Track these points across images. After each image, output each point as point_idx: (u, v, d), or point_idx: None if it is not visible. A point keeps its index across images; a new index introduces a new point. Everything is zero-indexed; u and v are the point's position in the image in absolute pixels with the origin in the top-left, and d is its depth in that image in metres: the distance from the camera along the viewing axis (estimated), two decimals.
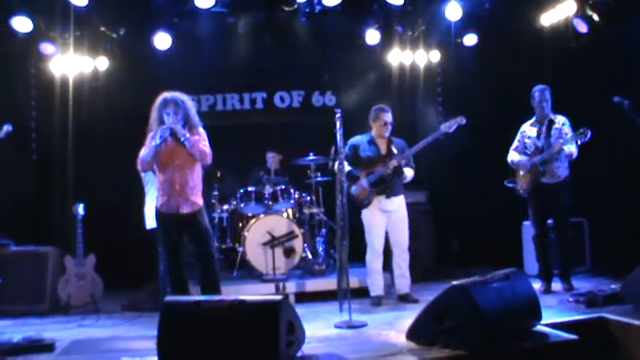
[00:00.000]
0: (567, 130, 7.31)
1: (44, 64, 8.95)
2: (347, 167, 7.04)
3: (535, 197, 7.46)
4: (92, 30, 8.52)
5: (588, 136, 6.86)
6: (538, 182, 7.35)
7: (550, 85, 7.41)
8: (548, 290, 7.38)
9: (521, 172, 7.49)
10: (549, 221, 7.58)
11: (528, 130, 7.54)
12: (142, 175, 7.15)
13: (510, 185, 7.65)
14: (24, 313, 7.31)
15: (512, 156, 7.63)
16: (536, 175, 7.35)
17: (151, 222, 7.03)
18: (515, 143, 7.67)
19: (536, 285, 6.92)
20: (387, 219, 7.33)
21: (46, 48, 8.45)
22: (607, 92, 6.92)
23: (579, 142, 6.96)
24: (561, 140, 7.16)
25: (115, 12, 8.25)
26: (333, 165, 7.18)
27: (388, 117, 7.37)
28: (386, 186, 7.28)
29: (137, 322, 6.92)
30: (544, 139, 7.35)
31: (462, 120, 7.12)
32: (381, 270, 7.38)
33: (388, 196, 7.29)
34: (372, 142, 7.42)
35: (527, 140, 7.54)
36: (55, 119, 9.10)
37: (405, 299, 7.34)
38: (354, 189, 7.27)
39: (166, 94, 6.29)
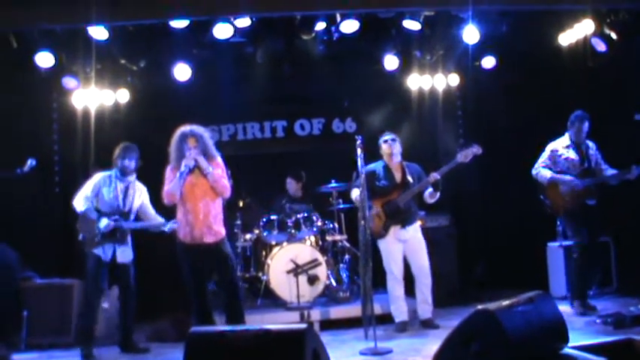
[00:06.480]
0: (598, 154, 7.46)
1: (66, 98, 9.03)
2: (356, 193, 7.04)
3: (579, 217, 7.41)
4: (113, 63, 8.60)
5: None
6: (584, 203, 7.34)
7: (570, 105, 7.43)
8: (589, 307, 7.29)
9: (569, 191, 7.39)
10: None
11: (564, 150, 7.50)
12: None
13: (547, 202, 7.58)
14: (50, 346, 7.35)
15: (548, 172, 7.52)
16: (587, 195, 7.34)
17: None
18: (547, 161, 7.58)
19: (564, 307, 6.85)
20: (404, 246, 7.33)
21: (69, 82, 8.51)
22: (628, 110, 6.89)
23: (625, 178, 7.06)
24: (611, 171, 7.30)
25: (135, 44, 8.31)
26: (351, 191, 7.24)
27: (389, 146, 7.39)
28: (402, 216, 7.28)
29: (162, 353, 6.93)
30: (587, 163, 7.39)
31: (478, 150, 7.10)
32: (403, 295, 7.37)
33: (403, 226, 7.29)
34: (386, 169, 7.43)
35: (562, 160, 7.48)
36: (77, 152, 9.14)
37: (427, 325, 7.31)
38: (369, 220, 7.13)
39: (184, 128, 6.37)
